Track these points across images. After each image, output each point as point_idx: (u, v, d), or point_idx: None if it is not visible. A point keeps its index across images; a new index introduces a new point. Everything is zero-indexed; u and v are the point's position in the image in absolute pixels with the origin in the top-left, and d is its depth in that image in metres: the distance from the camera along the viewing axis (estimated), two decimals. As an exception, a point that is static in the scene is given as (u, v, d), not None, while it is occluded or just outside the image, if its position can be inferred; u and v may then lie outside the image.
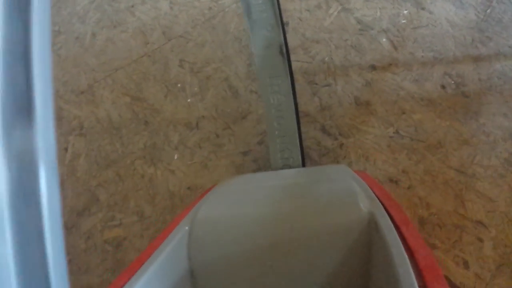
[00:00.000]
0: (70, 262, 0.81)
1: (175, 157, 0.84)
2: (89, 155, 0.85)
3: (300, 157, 0.69)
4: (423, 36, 0.85)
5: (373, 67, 0.84)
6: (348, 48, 0.85)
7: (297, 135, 0.68)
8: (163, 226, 0.80)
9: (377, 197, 0.46)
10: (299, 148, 0.69)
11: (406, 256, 0.33)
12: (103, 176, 0.84)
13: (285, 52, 0.64)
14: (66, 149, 0.86)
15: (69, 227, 0.82)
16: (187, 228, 0.45)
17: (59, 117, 0.88)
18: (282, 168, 0.69)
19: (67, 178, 0.84)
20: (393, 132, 0.80)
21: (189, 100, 0.86)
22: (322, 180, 0.55)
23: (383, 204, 0.44)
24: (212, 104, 0.86)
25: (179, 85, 0.87)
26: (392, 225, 0.38)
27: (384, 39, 0.85)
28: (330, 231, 0.42)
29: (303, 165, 0.70)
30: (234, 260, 0.44)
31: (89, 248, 0.81)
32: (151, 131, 0.85)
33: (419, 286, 0.29)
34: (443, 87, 0.82)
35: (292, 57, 0.86)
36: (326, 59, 0.86)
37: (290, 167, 0.68)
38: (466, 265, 0.73)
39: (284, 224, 0.44)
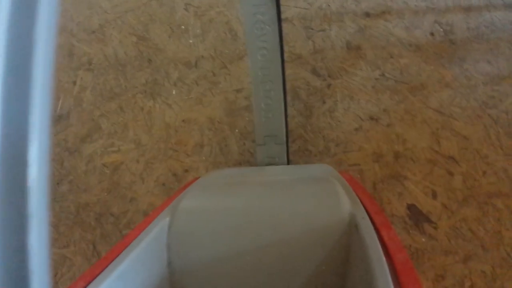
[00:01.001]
0: (71, 182, 1.12)
1: (173, 92, 1.13)
2: (95, 88, 1.16)
3: (285, 155, 0.82)
4: (421, -12, 1.12)
5: (367, 14, 1.11)
6: (343, -4, 1.13)
7: (284, 134, 0.82)
8: (157, 153, 1.10)
9: (359, 198, 0.53)
10: (286, 152, 0.82)
11: (384, 260, 0.38)
12: (107, 107, 1.15)
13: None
14: (74, 82, 1.18)
15: (72, 151, 1.13)
16: (167, 218, 0.52)
17: (70, 54, 1.20)
18: (267, 164, 0.82)
19: (73, 108, 1.16)
20: (379, 75, 1.06)
21: (191, 41, 1.16)
22: (305, 179, 0.64)
23: (364, 206, 0.51)
24: (212, 45, 1.15)
25: (182, 27, 1.17)
26: (372, 227, 0.44)
27: (381, -10, 1.13)
28: (310, 230, 0.49)
29: (288, 162, 0.84)
30: (213, 253, 0.50)
31: (89, 170, 1.12)
32: (153, 68, 1.16)
33: None
34: (432, 34, 1.08)
35: (291, 3, 1.14)
36: (324, 6, 1.13)
37: (275, 163, 0.81)
38: (434, 195, 0.97)
39: (265, 220, 0.50)
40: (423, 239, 0.92)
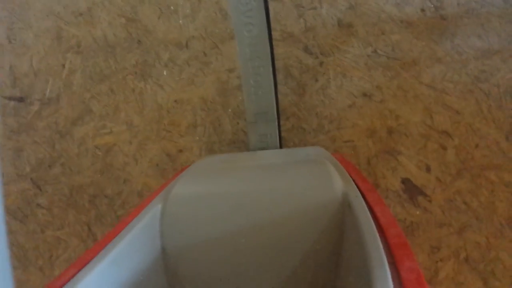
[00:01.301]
0: (63, 164, 1.10)
1: (164, 73, 1.11)
2: (84, 71, 1.14)
3: (277, 138, 0.83)
4: (411, -35, 1.11)
5: (357, -8, 1.11)
6: (333, -26, 1.12)
7: (275, 110, 0.81)
8: (150, 134, 1.08)
9: (352, 178, 0.53)
10: (277, 129, 0.81)
11: (377, 234, 0.38)
12: (97, 89, 1.13)
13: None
14: (63, 66, 1.15)
15: (64, 134, 1.11)
16: (160, 205, 0.52)
17: (58, 37, 1.18)
18: (259, 142, 0.83)
19: (63, 91, 1.13)
20: (371, 51, 1.06)
21: (180, 21, 1.14)
22: (297, 161, 0.64)
23: (357, 185, 0.51)
24: (202, 25, 1.13)
25: (172, 7, 1.16)
26: (365, 205, 0.45)
27: (371, -33, 1.12)
28: (303, 210, 0.49)
29: (281, 146, 0.84)
30: (206, 238, 0.51)
31: (81, 152, 1.10)
32: (143, 49, 1.14)
33: (388, 262, 0.35)
34: (422, 10, 1.07)
35: (281, -17, 1.14)
36: (313, -16, 1.13)
37: (267, 141, 0.81)
38: (428, 169, 0.97)
39: (258, 203, 0.51)
40: (418, 212, 0.92)
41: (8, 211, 1.06)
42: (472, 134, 0.93)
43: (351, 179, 0.53)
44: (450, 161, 0.92)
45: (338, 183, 0.51)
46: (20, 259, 1.05)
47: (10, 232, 1.06)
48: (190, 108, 1.03)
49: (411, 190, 0.93)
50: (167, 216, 0.51)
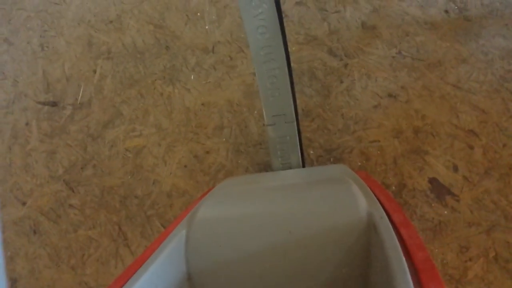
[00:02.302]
0: (95, 166, 1.10)
1: (192, 77, 1.11)
2: (115, 76, 1.15)
3: (300, 159, 0.80)
4: (433, -32, 1.09)
5: (381, -5, 1.09)
6: (357, -22, 1.11)
7: (293, 112, 0.78)
8: (178, 136, 1.08)
9: (377, 198, 0.50)
10: (295, 126, 0.79)
11: (404, 259, 0.36)
12: (127, 94, 1.13)
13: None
14: (94, 71, 1.16)
15: (95, 137, 1.11)
16: (184, 231, 0.50)
17: (89, 44, 1.18)
18: (282, 167, 0.81)
19: (94, 96, 1.14)
20: (396, 53, 1.04)
21: (207, 27, 1.14)
22: (321, 181, 0.61)
23: (382, 205, 0.48)
24: (228, 30, 1.13)
25: (198, 13, 1.15)
26: (391, 227, 0.42)
27: (394, -29, 1.10)
28: (328, 232, 0.47)
29: (303, 165, 0.81)
30: (232, 262, 0.48)
31: (112, 155, 1.10)
32: (171, 55, 1.14)
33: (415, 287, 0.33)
34: (446, 12, 1.05)
35: (305, -13, 1.13)
36: (337, -11, 1.11)
37: (286, 143, 0.79)
38: (455, 168, 0.95)
39: (282, 225, 0.48)
40: (446, 212, 0.89)
41: (42, 211, 1.06)
42: (500, 133, 0.90)
43: (376, 199, 0.50)
44: (477, 160, 0.89)
45: (362, 204, 0.48)
46: (53, 258, 1.04)
47: (43, 232, 1.06)
48: (216, 110, 1.02)
49: (439, 189, 0.90)
50: (192, 242, 0.50)
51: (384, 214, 0.46)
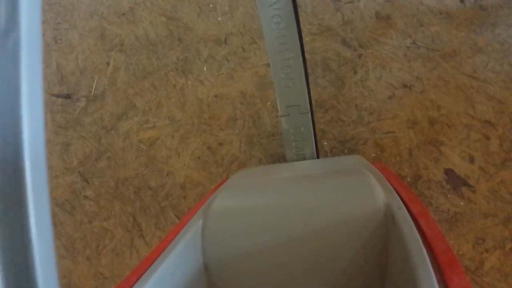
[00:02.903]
0: (109, 158, 1.09)
1: (204, 69, 1.09)
2: (128, 68, 1.13)
3: (314, 148, 0.78)
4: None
5: (395, -15, 1.06)
6: (371, -33, 1.08)
7: (308, 102, 0.77)
8: (191, 128, 1.06)
9: (394, 189, 0.49)
10: (310, 117, 0.77)
11: (425, 250, 0.35)
12: (140, 86, 1.11)
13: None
14: (108, 63, 1.14)
15: (109, 129, 1.10)
16: (200, 221, 0.49)
17: (102, 36, 1.17)
18: (296, 158, 0.79)
19: (108, 88, 1.12)
20: (410, 43, 1.02)
21: (219, 18, 1.12)
22: (337, 171, 0.60)
23: (400, 196, 0.47)
24: (240, 21, 1.11)
25: (211, 5, 1.13)
26: (409, 218, 0.41)
27: (408, -40, 1.07)
28: (345, 223, 0.46)
29: (318, 156, 0.80)
30: (248, 253, 0.48)
31: (126, 146, 1.09)
32: (183, 46, 1.12)
33: (437, 281, 0.31)
34: (461, 1, 1.02)
35: (318, -22, 1.10)
36: (350, -21, 1.09)
37: (301, 134, 0.78)
38: (471, 159, 0.92)
39: (298, 216, 0.47)
40: (462, 203, 0.87)
41: (57, 203, 1.05)
42: (516, 123, 0.87)
43: (393, 189, 0.49)
44: (493, 151, 0.87)
45: (380, 194, 0.47)
46: (68, 249, 1.04)
47: (58, 223, 1.05)
48: (229, 102, 1.00)
49: (455, 180, 0.88)
50: (208, 232, 0.49)
51: (402, 204, 0.44)
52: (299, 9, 1.03)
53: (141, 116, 1.04)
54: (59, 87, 1.11)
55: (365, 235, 0.45)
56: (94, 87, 1.08)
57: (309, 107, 0.77)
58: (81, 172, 1.05)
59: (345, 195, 0.48)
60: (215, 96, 1.02)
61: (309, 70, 0.99)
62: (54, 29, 1.16)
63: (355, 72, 0.97)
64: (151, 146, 1.02)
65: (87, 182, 1.04)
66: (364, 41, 0.99)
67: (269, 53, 0.75)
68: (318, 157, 0.80)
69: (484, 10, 0.96)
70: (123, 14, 1.14)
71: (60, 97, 1.10)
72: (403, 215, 0.42)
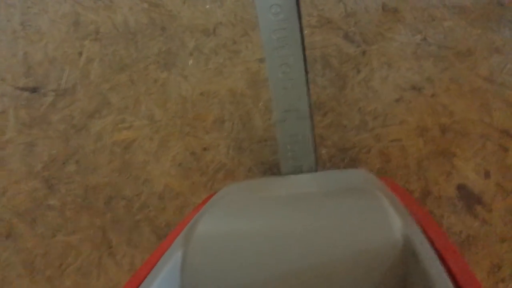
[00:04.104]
0: (78, 162, 0.93)
1: (190, 62, 0.95)
2: (103, 59, 0.98)
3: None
4: None
5: (404, -26, 0.93)
6: (377, -46, 0.94)
7: (307, 106, 0.66)
8: (173, 129, 0.92)
9: (410, 213, 0.41)
10: (309, 123, 0.66)
11: None
12: (116, 80, 0.97)
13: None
14: (80, 53, 0.99)
15: (79, 129, 0.95)
16: (180, 253, 0.41)
17: (75, 22, 1.02)
18: (292, 170, 0.68)
19: (80, 82, 0.97)
20: (421, 39, 0.88)
21: (207, 6, 0.98)
22: (342, 190, 0.49)
23: (417, 222, 0.39)
24: (231, 10, 0.97)
25: (197, -9, 0.99)
26: (434, 254, 0.34)
27: None
28: (354, 260, 0.38)
29: (317, 169, 0.68)
30: None
31: (97, 149, 0.94)
32: (166, 36, 0.97)
33: None
34: (478, -6, 0.90)
35: (318, -36, 0.96)
36: (354, -34, 0.95)
37: (298, 141, 0.66)
38: (487, 174, 0.80)
39: (298, 249, 0.40)
40: (476, 224, 0.75)
41: (16, 212, 0.91)
42: (539, 134, 0.75)
43: (410, 216, 0.40)
44: (513, 165, 0.75)
45: (396, 222, 0.37)
46: (27, 266, 0.89)
47: (17, 236, 0.91)
48: (217, 101, 0.87)
49: (468, 198, 0.76)
50: (189, 267, 0.40)
51: (424, 236, 0.36)
52: (296, -2, 0.89)
53: (116, 115, 0.90)
54: (25, 79, 0.96)
55: (378, 274, 0.37)
56: (64, 80, 0.94)
57: (308, 112, 0.65)
58: (45, 177, 0.90)
59: (353, 223, 0.39)
60: (201, 93, 0.89)
61: (308, 68, 0.86)
62: (22, 13, 1.01)
63: (359, 71, 0.85)
64: (126, 149, 0.88)
65: (52, 189, 0.90)
66: (369, 36, 0.86)
67: (265, 49, 0.63)
68: (317, 170, 0.67)
69: (502, 5, 0.84)
70: (100, -1, 0.99)
71: (26, 90, 0.95)
72: (426, 251, 0.34)
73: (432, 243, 0.36)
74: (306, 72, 0.66)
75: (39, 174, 0.93)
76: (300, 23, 0.63)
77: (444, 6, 0.87)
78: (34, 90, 0.97)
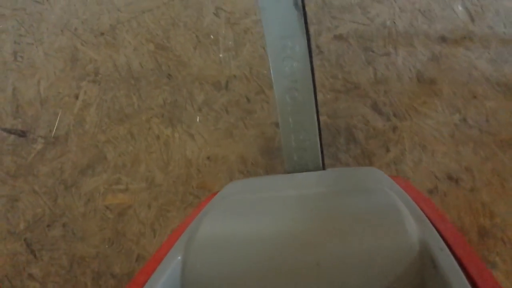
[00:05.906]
0: (65, 225, 0.77)
1: (197, 119, 0.79)
2: (101, 105, 0.82)
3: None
4: (507, 9, 0.76)
5: (443, 39, 0.76)
6: (415, 13, 0.77)
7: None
8: (174, 197, 0.76)
9: (428, 218, 0.37)
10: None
11: None
12: (114, 132, 0.80)
13: (302, 5, 0.55)
14: (76, 96, 0.82)
15: (69, 186, 0.79)
16: (180, 257, 0.38)
17: (73, 59, 0.84)
18: (298, 168, 0.60)
19: (73, 129, 0.81)
20: (459, 120, 0.73)
21: (221, 55, 0.81)
22: (351, 190, 0.46)
23: (437, 229, 0.35)
24: (247, 62, 0.80)
25: (212, 36, 0.82)
26: (456, 264, 0.30)
27: (459, 7, 0.77)
28: (367, 266, 0.34)
29: (323, 167, 0.60)
30: None
31: (88, 212, 0.78)
32: (173, 86, 0.81)
33: None
34: (527, 72, 0.74)
35: (348, 17, 0.79)
36: (388, 23, 0.78)
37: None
38: (531, 290, 0.66)
39: (308, 254, 0.36)
40: None
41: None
42: None
43: (428, 220, 0.35)
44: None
45: (412, 227, 0.33)
46: None
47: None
48: (225, 168, 0.72)
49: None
50: (189, 272, 0.36)
51: (442, 242, 0.32)
52: (320, 56, 0.75)
53: (112, 173, 0.75)
54: (12, 120, 0.80)
55: (393, 280, 0.33)
56: (56, 126, 0.78)
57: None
58: (28, 240, 0.75)
59: (366, 227, 0.35)
60: (208, 158, 0.73)
61: (329, 140, 0.72)
62: (15, 42, 0.85)
63: (388, 150, 0.70)
64: (120, 216, 0.72)
65: (34, 256, 0.74)
66: (401, 109, 0.71)
67: (282, 134, 0.56)
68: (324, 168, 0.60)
69: (555, 87, 0.69)
70: (102, 34, 0.83)
71: (13, 133, 0.79)
72: (446, 258, 0.30)
73: (451, 249, 0.32)
74: (323, 157, 0.56)
75: (21, 235, 0.77)
76: (317, 108, 0.54)
77: (487, 82, 0.72)
78: (22, 134, 0.81)
